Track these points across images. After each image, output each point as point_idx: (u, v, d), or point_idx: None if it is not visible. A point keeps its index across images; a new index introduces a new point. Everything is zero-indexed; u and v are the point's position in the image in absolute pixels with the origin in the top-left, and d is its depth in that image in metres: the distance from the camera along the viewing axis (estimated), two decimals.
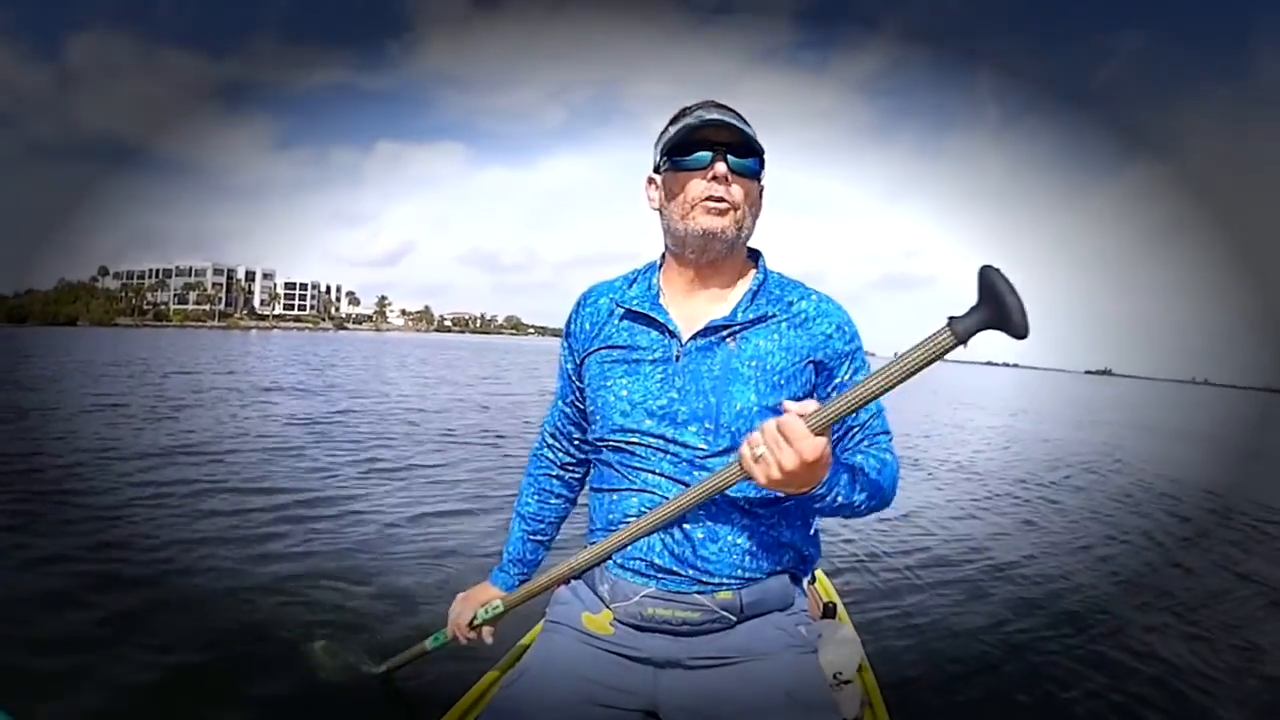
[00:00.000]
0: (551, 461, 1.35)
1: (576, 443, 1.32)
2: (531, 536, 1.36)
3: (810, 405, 0.89)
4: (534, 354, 39.60)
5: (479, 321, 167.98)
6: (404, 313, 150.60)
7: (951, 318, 0.80)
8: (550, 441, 1.35)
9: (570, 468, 1.35)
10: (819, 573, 2.06)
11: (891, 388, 0.86)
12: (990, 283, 0.77)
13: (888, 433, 1.15)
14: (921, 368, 0.83)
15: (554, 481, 1.36)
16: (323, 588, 2.97)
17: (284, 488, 4.69)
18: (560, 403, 1.31)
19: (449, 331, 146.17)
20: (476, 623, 1.34)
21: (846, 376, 1.12)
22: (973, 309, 0.79)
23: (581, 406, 1.24)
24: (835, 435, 1.09)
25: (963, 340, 0.80)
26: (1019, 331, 0.75)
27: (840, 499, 1.02)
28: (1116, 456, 9.64)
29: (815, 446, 0.88)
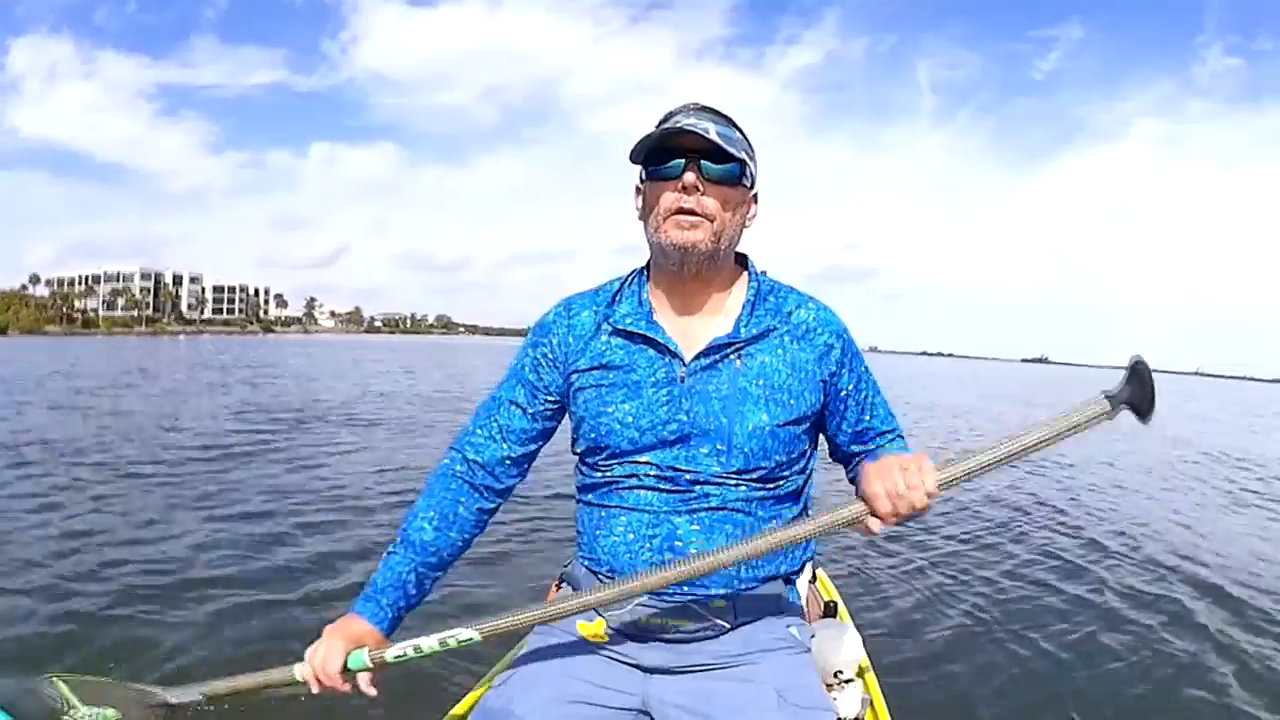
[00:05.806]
0: (466, 487, 1.15)
1: (506, 466, 1.16)
2: (420, 568, 1.12)
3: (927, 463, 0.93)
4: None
5: (409, 321, 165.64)
6: (333, 314, 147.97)
7: (1105, 392, 0.92)
8: (468, 463, 1.15)
9: (487, 497, 1.16)
10: (820, 572, 1.98)
11: (1036, 449, 0.91)
12: (1140, 372, 0.91)
13: (902, 436, 1.17)
14: (1073, 433, 0.91)
15: (460, 510, 1.14)
16: None
17: None
18: (497, 414, 1.15)
19: (379, 332, 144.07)
20: (347, 668, 1.05)
21: (850, 386, 1.12)
22: (1123, 387, 0.91)
23: (534, 418, 1.15)
24: (848, 438, 1.14)
25: (1115, 411, 0.91)
26: (1146, 418, 0.91)
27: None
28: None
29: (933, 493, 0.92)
